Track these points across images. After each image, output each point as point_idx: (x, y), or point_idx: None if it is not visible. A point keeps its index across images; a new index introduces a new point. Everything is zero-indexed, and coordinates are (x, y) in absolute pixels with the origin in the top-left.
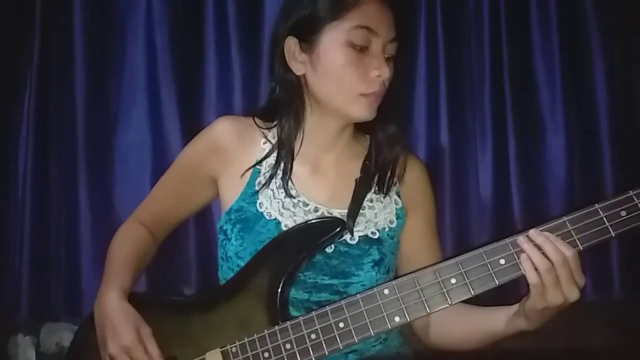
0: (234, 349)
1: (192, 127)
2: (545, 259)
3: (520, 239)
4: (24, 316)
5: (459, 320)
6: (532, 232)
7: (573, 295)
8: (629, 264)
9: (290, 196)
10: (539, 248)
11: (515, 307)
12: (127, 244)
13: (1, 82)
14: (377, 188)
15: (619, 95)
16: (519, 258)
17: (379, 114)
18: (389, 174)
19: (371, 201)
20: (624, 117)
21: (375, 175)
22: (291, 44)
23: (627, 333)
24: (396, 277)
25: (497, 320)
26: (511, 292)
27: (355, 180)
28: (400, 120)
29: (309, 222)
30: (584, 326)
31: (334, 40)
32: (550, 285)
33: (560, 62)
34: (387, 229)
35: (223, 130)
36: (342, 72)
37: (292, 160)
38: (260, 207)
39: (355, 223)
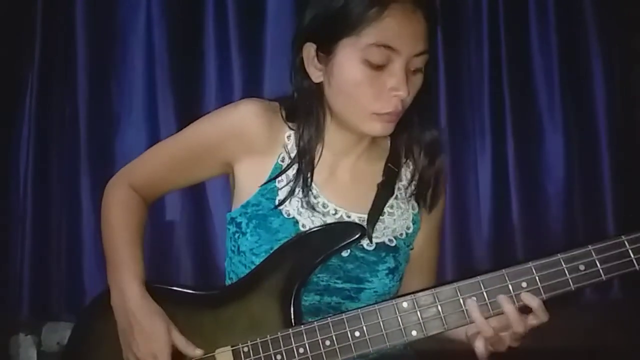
0: (245, 349)
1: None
2: (492, 331)
3: (471, 305)
4: (25, 315)
5: None
6: (502, 298)
7: (515, 344)
8: None
9: (311, 196)
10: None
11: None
12: (128, 218)
13: (2, 83)
14: (403, 194)
15: (618, 96)
16: (540, 283)
17: (409, 117)
18: (431, 189)
19: (391, 207)
20: (622, 117)
21: (397, 178)
22: (310, 50)
23: (626, 332)
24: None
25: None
26: None
27: (378, 184)
28: (435, 124)
29: (328, 226)
30: (584, 326)
31: (349, 56)
32: (492, 344)
33: (559, 63)
34: (404, 236)
35: (251, 116)
36: (355, 91)
37: (313, 170)
38: (280, 205)
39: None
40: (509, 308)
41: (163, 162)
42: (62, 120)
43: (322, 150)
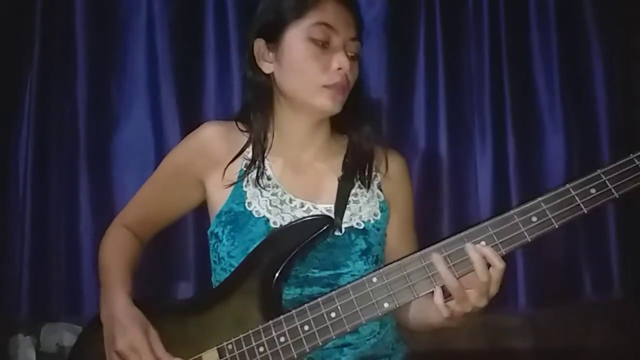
0: (229, 346)
1: (191, 128)
2: (455, 280)
3: (436, 258)
4: (24, 316)
5: (415, 306)
6: (469, 246)
7: (481, 303)
8: (628, 263)
9: (277, 193)
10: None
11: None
12: (120, 250)
13: (1, 83)
14: (359, 183)
15: (618, 96)
16: (498, 239)
17: (351, 114)
18: (367, 168)
19: (355, 195)
20: (622, 117)
21: (356, 172)
22: (260, 45)
23: (627, 332)
24: None
25: (433, 312)
26: None
27: (338, 178)
28: (372, 120)
29: (299, 221)
30: (584, 325)
31: (296, 37)
32: (459, 303)
33: (559, 62)
34: (372, 221)
35: (211, 135)
36: (304, 65)
37: (264, 154)
38: (249, 206)
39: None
40: (474, 255)
41: (146, 196)
42: (61, 121)
43: (273, 136)
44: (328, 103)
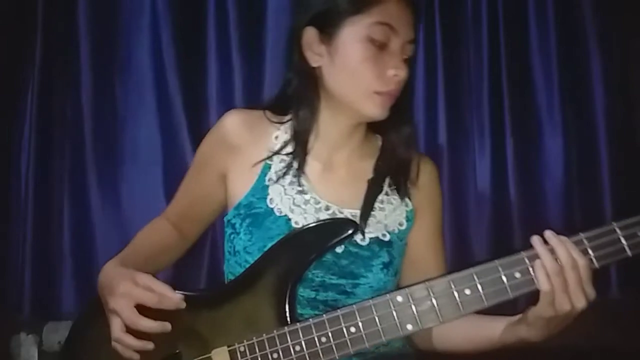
0: (242, 348)
1: (198, 125)
2: (556, 263)
3: (535, 239)
4: (26, 315)
5: (460, 326)
6: (548, 233)
7: (580, 302)
8: (626, 262)
9: (302, 192)
10: (552, 251)
11: (518, 316)
12: (147, 235)
13: (4, 83)
14: (393, 190)
15: (617, 97)
16: (535, 272)
17: (391, 114)
18: (403, 176)
19: (382, 202)
20: (621, 118)
21: (387, 177)
22: (310, 34)
23: (624, 331)
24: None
25: (497, 329)
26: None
27: (368, 181)
28: (413, 121)
29: (321, 223)
30: (581, 325)
31: (354, 34)
32: (558, 289)
33: (558, 63)
34: (396, 231)
35: (232, 124)
36: (359, 68)
37: (306, 154)
38: (271, 203)
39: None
40: (554, 240)
41: (183, 189)
42: (64, 121)
43: (316, 135)
44: (376, 110)
